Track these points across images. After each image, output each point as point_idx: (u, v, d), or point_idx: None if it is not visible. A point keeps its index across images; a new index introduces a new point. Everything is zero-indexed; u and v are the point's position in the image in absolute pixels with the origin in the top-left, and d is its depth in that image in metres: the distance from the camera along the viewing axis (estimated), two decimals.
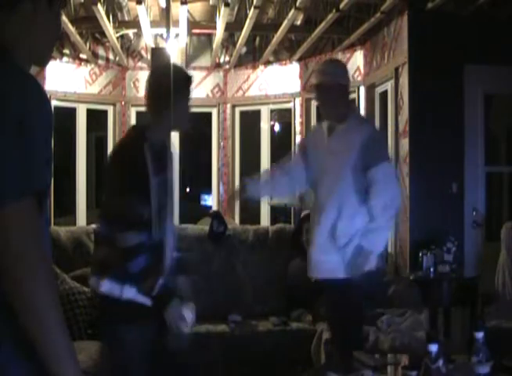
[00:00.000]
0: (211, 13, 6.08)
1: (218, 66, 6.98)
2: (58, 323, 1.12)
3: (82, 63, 6.63)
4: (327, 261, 3.05)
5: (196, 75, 6.92)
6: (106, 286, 2.36)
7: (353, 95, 6.21)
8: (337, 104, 3.05)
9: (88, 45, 6.48)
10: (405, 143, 5.12)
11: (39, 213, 1.14)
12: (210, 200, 7.41)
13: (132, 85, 6.81)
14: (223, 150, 6.96)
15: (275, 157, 7.01)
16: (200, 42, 6.98)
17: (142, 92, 6.73)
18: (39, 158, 1.15)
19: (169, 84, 2.40)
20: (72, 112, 6.63)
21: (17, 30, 1.26)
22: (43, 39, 1.32)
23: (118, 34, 6.23)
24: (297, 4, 4.96)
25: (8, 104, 1.13)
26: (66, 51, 6.60)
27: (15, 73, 1.19)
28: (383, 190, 2.95)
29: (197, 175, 9.44)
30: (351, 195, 2.98)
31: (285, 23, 5.44)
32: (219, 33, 5.79)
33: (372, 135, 3.02)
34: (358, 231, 2.98)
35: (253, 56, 6.94)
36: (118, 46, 6.29)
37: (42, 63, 1.39)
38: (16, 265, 1.08)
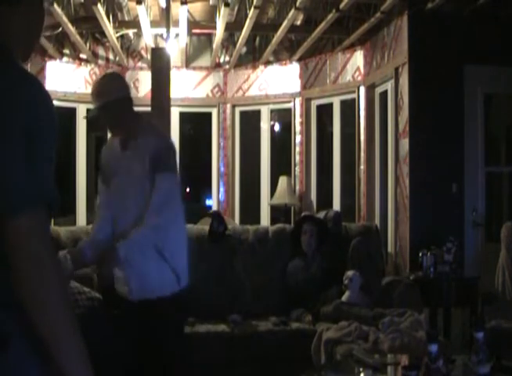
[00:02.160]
0: (211, 13, 6.08)
1: (218, 66, 6.98)
2: (72, 323, 1.16)
3: (82, 63, 6.63)
4: (159, 278, 2.84)
5: (196, 75, 6.92)
6: None
7: (353, 96, 6.22)
8: (124, 118, 2.91)
9: (88, 45, 6.48)
10: (405, 143, 5.12)
11: (49, 219, 1.18)
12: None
13: (132, 85, 6.81)
14: (223, 150, 6.96)
15: (275, 157, 7.02)
16: (200, 42, 6.98)
17: (142, 92, 6.75)
18: (50, 164, 1.18)
19: None
20: (72, 112, 6.63)
21: (16, 26, 1.26)
22: (34, 35, 1.33)
23: (118, 34, 6.23)
24: (297, 4, 4.96)
25: (19, 112, 1.14)
26: (66, 51, 6.60)
27: (22, 77, 1.19)
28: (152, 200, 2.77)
29: (197, 175, 9.44)
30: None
31: (285, 23, 5.44)
32: (219, 33, 5.79)
33: (160, 146, 2.85)
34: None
35: (253, 56, 6.94)
36: (118, 46, 6.29)
37: (26, 59, 1.37)
38: (33, 270, 1.12)
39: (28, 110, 1.15)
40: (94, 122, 2.96)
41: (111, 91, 2.88)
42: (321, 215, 4.96)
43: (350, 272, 4.26)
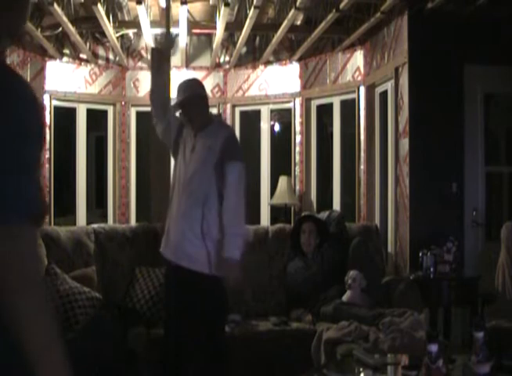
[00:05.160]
0: (211, 13, 6.08)
1: (218, 66, 6.98)
2: (56, 341, 1.11)
3: (82, 63, 6.63)
4: (195, 253, 3.30)
5: (196, 75, 6.91)
6: None
7: (353, 96, 6.22)
8: (200, 114, 3.46)
9: (88, 45, 6.48)
10: (405, 143, 5.12)
11: (34, 229, 1.12)
12: None
13: (132, 85, 6.81)
14: None
15: (275, 157, 7.02)
16: (200, 42, 6.98)
17: (142, 92, 6.75)
18: (36, 171, 1.12)
19: None
20: (72, 112, 6.63)
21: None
22: (21, 15, 1.24)
23: (118, 34, 6.23)
24: (297, 4, 4.96)
25: (7, 116, 1.07)
26: (66, 51, 6.60)
27: (7, 76, 1.12)
28: (230, 193, 3.29)
29: None
30: (212, 191, 3.32)
31: (285, 23, 5.44)
32: (219, 33, 5.79)
33: (228, 137, 3.41)
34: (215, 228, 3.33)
35: (253, 56, 6.94)
36: (118, 46, 6.29)
37: (13, 42, 1.31)
38: (17, 286, 1.06)
39: (19, 116, 1.08)
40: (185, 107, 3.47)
41: (191, 89, 3.49)
42: (324, 215, 4.96)
43: (353, 272, 4.26)
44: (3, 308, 1.07)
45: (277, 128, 7.48)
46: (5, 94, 1.09)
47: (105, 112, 6.83)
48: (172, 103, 3.58)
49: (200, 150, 3.39)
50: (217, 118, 3.69)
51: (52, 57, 6.39)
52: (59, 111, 6.49)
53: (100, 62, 6.75)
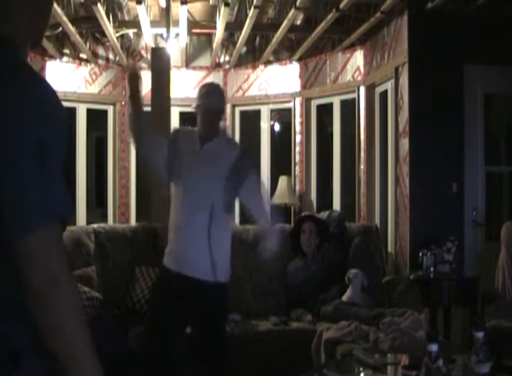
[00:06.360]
0: (211, 13, 6.09)
1: (218, 66, 6.98)
2: (88, 345, 1.11)
3: (82, 63, 6.63)
4: (201, 263, 3.26)
5: (196, 75, 6.92)
6: None
7: (353, 95, 6.22)
8: (216, 125, 3.47)
9: (88, 45, 6.49)
10: (405, 143, 5.12)
11: (61, 232, 1.12)
12: None
13: None
14: None
15: (275, 157, 7.02)
16: (200, 42, 6.98)
17: (142, 91, 6.74)
18: (61, 175, 1.11)
19: None
20: (72, 112, 6.63)
21: (22, 11, 1.17)
22: (43, 19, 1.24)
23: (118, 34, 6.23)
24: (297, 4, 4.97)
25: (33, 122, 1.07)
26: (66, 51, 6.60)
27: (33, 81, 1.11)
28: (257, 201, 3.33)
29: None
30: (220, 202, 3.28)
31: (285, 23, 5.44)
32: (219, 33, 5.79)
33: (242, 152, 3.41)
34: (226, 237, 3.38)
35: (253, 56, 6.94)
36: (118, 46, 6.29)
37: (36, 46, 1.27)
38: (46, 289, 1.06)
39: (42, 118, 1.07)
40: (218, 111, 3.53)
41: (219, 101, 3.62)
42: (324, 215, 4.96)
43: (355, 270, 4.26)
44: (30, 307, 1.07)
45: (277, 127, 7.48)
46: (28, 97, 1.08)
47: (105, 112, 6.83)
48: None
49: (211, 162, 3.32)
50: (224, 131, 3.65)
51: (52, 57, 6.39)
52: None
53: (100, 62, 6.75)
